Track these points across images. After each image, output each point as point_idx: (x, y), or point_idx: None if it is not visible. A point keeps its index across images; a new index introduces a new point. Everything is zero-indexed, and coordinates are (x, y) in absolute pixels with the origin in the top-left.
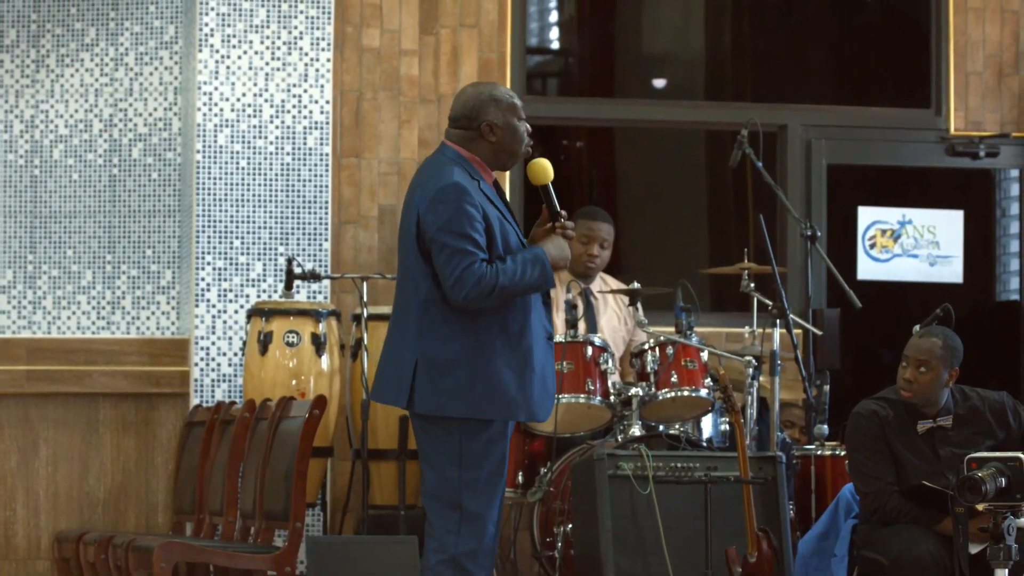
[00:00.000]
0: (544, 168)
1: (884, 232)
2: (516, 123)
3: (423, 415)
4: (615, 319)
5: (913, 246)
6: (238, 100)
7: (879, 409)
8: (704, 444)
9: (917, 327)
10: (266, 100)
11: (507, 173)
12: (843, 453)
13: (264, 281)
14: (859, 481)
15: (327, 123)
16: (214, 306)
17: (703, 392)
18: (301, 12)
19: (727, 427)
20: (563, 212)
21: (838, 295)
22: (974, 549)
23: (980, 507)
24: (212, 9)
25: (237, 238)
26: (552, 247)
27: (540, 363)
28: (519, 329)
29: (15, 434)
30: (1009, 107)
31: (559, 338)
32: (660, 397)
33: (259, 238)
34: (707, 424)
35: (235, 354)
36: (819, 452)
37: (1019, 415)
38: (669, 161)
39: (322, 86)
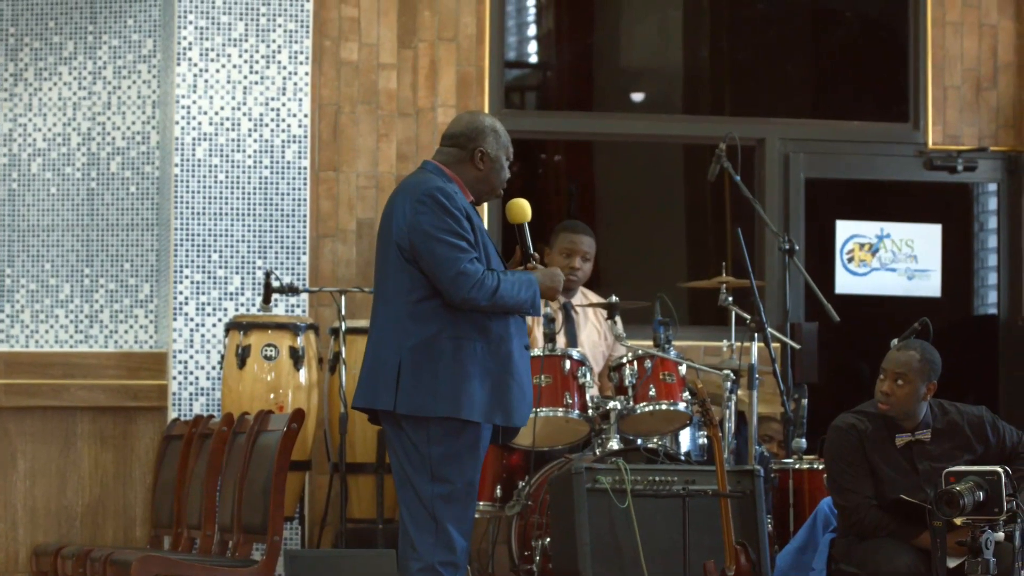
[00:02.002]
0: (523, 208)
1: (862, 246)
2: (504, 161)
3: (403, 417)
4: (595, 333)
5: (891, 260)
6: (216, 113)
7: (857, 422)
8: (682, 458)
9: (895, 341)
10: (244, 114)
11: (485, 208)
12: (821, 467)
13: (242, 295)
14: (837, 495)
15: (305, 136)
16: (192, 320)
17: (681, 406)
18: (279, 26)
19: (705, 441)
20: (535, 255)
21: (816, 309)
22: (952, 563)
23: (958, 521)
24: (190, 23)
25: (215, 251)
26: (544, 277)
27: (519, 369)
28: (500, 334)
29: None
30: (987, 121)
31: (537, 352)
32: (638, 411)
33: (237, 251)
34: (685, 438)
35: (213, 368)
36: (797, 466)
37: (998, 429)
38: (647, 175)
39: (300, 100)
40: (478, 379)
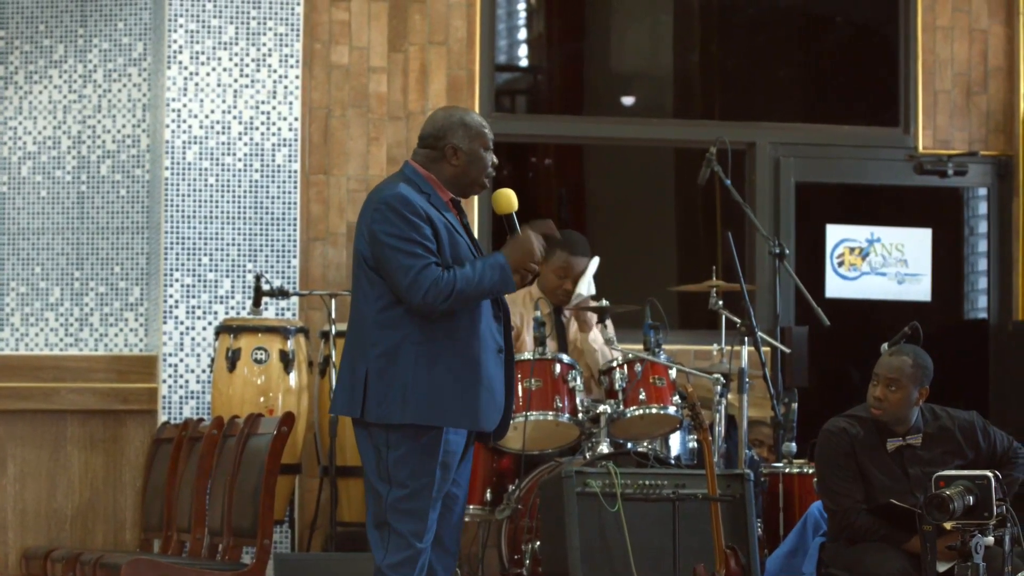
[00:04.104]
0: (508, 198)
1: (852, 250)
2: (481, 152)
3: (371, 424)
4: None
5: (881, 264)
6: (207, 117)
7: (848, 427)
8: (672, 462)
9: (885, 345)
10: (235, 117)
11: (475, 203)
12: (811, 471)
13: (232, 298)
14: (827, 499)
15: (296, 140)
16: (182, 323)
17: (671, 410)
18: (270, 29)
19: (695, 444)
20: None
21: (806, 313)
22: (942, 567)
23: (948, 525)
24: (181, 26)
25: (205, 255)
26: (511, 250)
27: (488, 374)
28: (466, 339)
29: None
30: (977, 125)
31: (527, 355)
32: (628, 415)
33: (227, 255)
34: (675, 441)
35: (203, 371)
36: (787, 470)
37: (988, 435)
38: (638, 179)
39: (291, 103)
40: (444, 384)
